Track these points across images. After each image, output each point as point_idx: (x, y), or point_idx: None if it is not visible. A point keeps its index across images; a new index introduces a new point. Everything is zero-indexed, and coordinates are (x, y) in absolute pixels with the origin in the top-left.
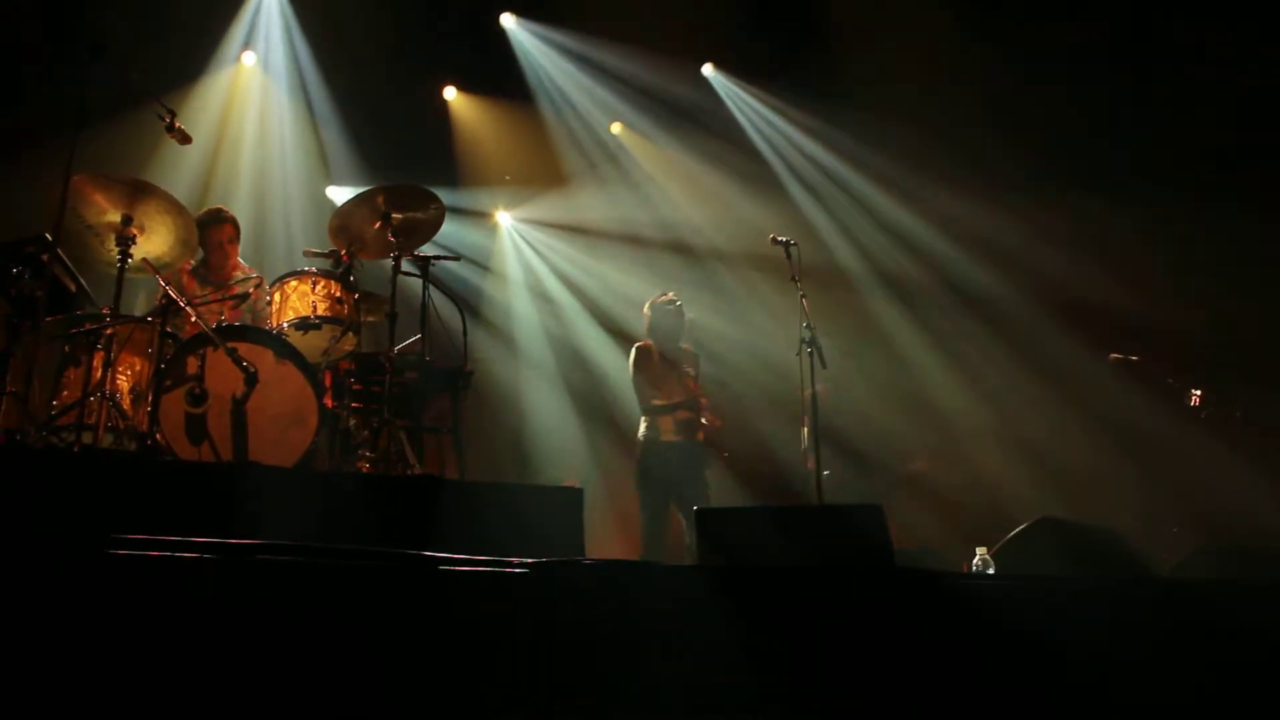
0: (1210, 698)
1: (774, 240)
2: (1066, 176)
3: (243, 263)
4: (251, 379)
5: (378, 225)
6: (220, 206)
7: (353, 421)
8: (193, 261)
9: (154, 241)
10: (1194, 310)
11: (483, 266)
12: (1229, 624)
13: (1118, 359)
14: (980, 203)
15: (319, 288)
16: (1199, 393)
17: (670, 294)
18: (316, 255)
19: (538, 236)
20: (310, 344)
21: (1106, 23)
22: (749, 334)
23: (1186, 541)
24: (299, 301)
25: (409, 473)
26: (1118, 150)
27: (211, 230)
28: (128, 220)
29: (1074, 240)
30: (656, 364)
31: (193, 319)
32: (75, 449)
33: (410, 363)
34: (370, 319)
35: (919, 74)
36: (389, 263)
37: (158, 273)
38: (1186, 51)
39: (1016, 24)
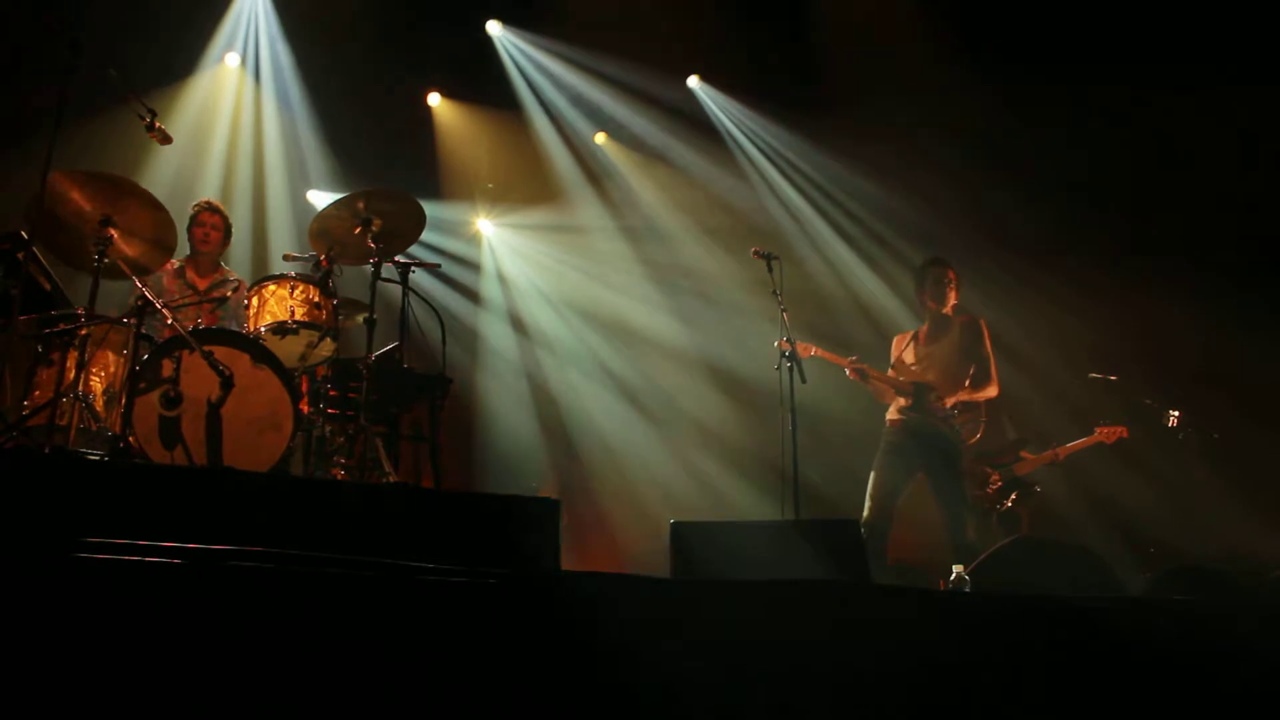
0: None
1: (756, 253)
2: (1058, 213)
3: (225, 266)
4: (227, 383)
5: (358, 230)
6: (211, 200)
7: (329, 428)
8: (176, 263)
9: (132, 242)
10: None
11: (463, 274)
12: (1198, 645)
13: (1097, 378)
14: (968, 228)
15: (297, 292)
16: (1177, 413)
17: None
18: (296, 259)
19: (519, 245)
20: (287, 349)
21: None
22: (728, 347)
23: (1162, 561)
24: (277, 305)
25: (384, 480)
26: (1110, 185)
27: (198, 218)
28: (106, 220)
29: (1065, 274)
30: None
31: (169, 321)
32: (46, 450)
33: (388, 370)
34: (348, 325)
35: (910, 100)
36: (368, 268)
37: (134, 274)
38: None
39: (1010, 61)
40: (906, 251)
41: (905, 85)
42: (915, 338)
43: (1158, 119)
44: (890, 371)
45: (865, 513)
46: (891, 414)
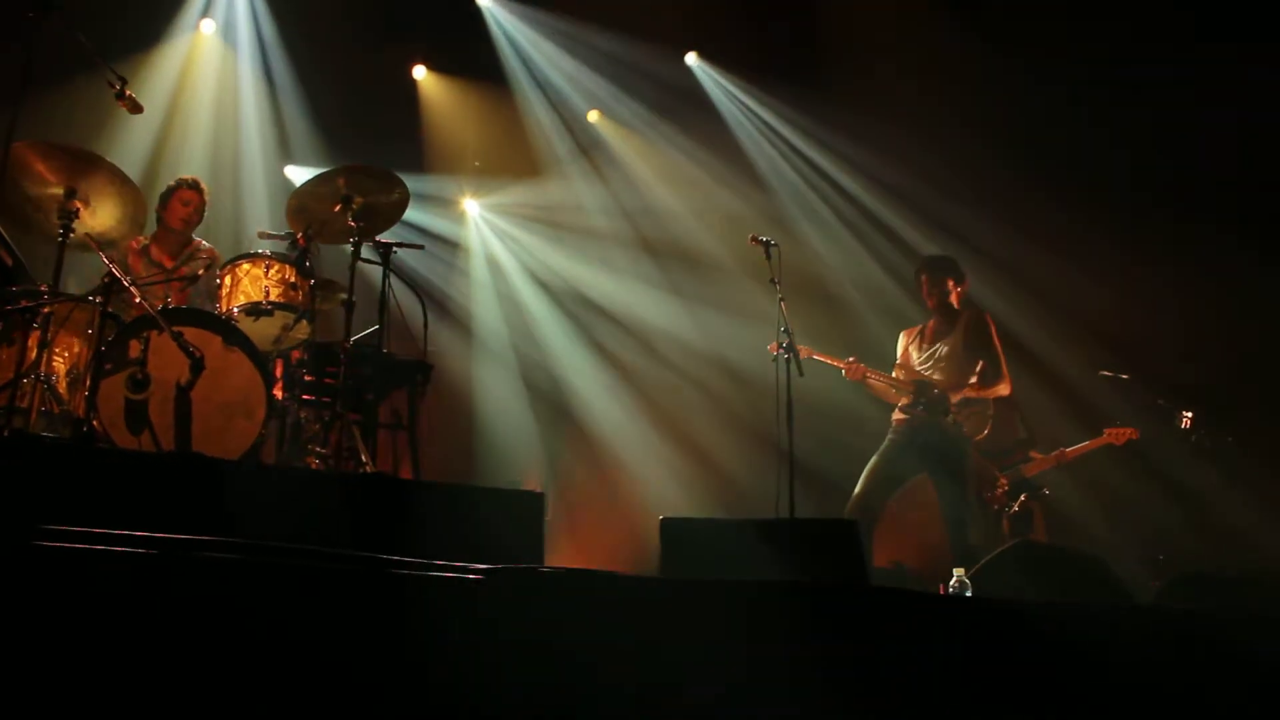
0: None
1: (754, 240)
2: (1063, 188)
3: (195, 237)
4: (197, 365)
5: (338, 208)
6: (198, 179)
7: (303, 414)
8: (142, 240)
9: (99, 216)
10: (1189, 332)
11: (447, 256)
12: (1208, 653)
13: (1108, 376)
14: (974, 211)
15: (273, 272)
16: (1190, 415)
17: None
18: (271, 237)
19: (506, 227)
20: (261, 331)
21: (1108, 35)
22: (722, 337)
23: (1171, 569)
24: (251, 285)
25: (361, 470)
26: (1117, 164)
27: (178, 193)
28: (71, 193)
29: (1068, 252)
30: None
31: (137, 300)
32: (5, 433)
33: (366, 355)
34: (326, 307)
35: (916, 75)
36: (348, 248)
37: (101, 249)
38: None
39: (1018, 30)
40: (912, 236)
41: (912, 59)
42: (922, 334)
43: (1183, 94)
44: (896, 367)
45: (850, 504)
46: (896, 414)
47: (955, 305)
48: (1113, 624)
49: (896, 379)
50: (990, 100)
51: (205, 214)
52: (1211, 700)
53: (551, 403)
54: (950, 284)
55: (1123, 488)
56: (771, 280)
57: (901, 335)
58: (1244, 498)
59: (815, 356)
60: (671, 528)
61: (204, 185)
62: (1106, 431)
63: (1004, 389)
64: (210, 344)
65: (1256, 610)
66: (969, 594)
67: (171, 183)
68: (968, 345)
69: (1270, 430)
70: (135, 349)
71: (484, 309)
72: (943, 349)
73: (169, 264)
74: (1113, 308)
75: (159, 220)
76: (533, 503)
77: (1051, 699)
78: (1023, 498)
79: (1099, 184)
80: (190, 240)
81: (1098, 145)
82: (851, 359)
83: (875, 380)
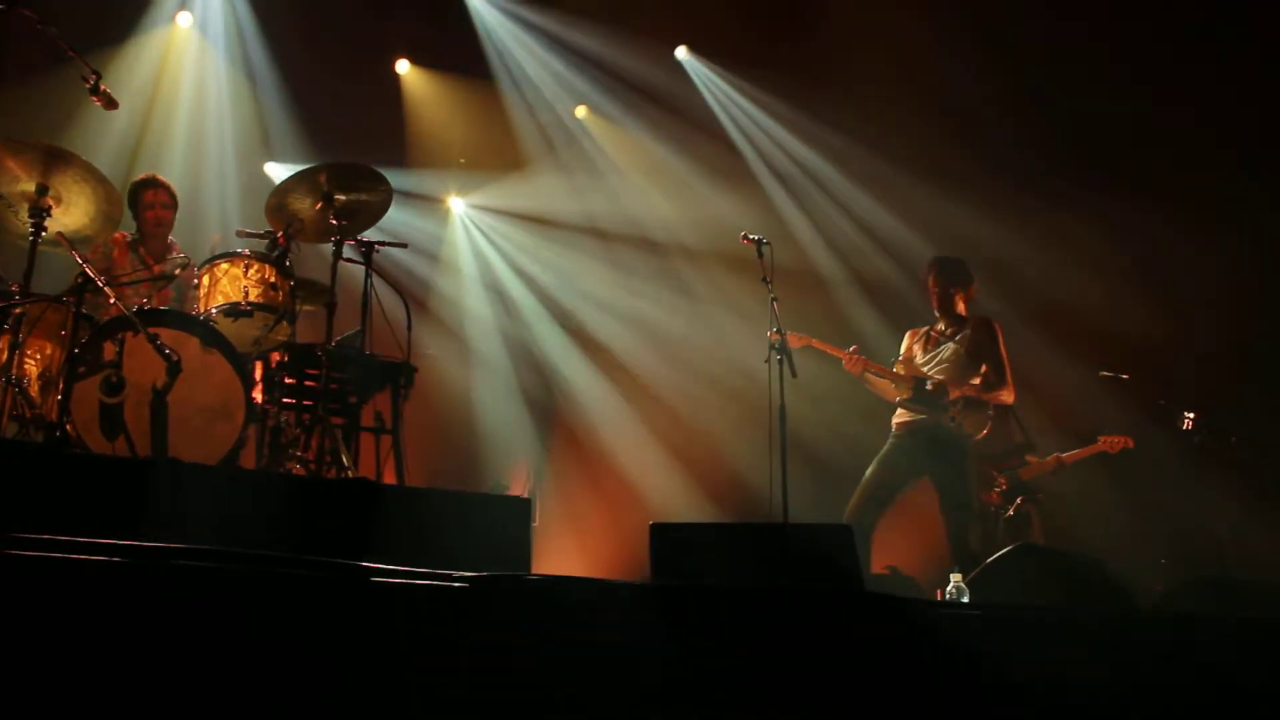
0: None
1: (745, 238)
2: (1051, 181)
3: (177, 243)
4: (174, 368)
5: (319, 206)
6: (155, 174)
7: (284, 418)
8: (129, 235)
9: (72, 214)
10: (1185, 325)
11: (431, 255)
12: (1212, 659)
13: (1107, 376)
14: (965, 205)
15: (252, 272)
16: (1192, 416)
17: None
18: (251, 236)
19: (492, 225)
20: (240, 332)
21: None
22: (714, 337)
23: (1174, 573)
24: (229, 285)
25: (343, 475)
26: (1107, 152)
27: (145, 194)
28: (43, 190)
29: (1056, 246)
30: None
31: (112, 300)
32: None
33: (349, 356)
34: (306, 308)
35: (904, 70)
36: (329, 247)
37: (74, 248)
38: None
39: (1002, 24)
40: (907, 230)
41: (909, 49)
42: (927, 335)
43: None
44: (897, 363)
45: (848, 510)
46: (897, 417)
47: (963, 310)
48: (1113, 629)
49: (896, 373)
50: (987, 91)
51: (178, 203)
52: (1213, 704)
53: (541, 404)
54: (959, 288)
55: (1122, 490)
56: (763, 279)
57: (906, 334)
58: (1247, 500)
59: (814, 344)
60: (662, 532)
61: (161, 178)
62: (1101, 439)
63: (1006, 396)
64: (187, 346)
65: (1265, 616)
66: (966, 599)
67: (132, 183)
68: (972, 350)
69: (1273, 431)
70: (110, 351)
71: (469, 309)
72: (946, 352)
73: (155, 268)
74: (1112, 304)
75: (140, 226)
76: (519, 508)
77: (1051, 705)
78: (1019, 501)
79: (1099, 178)
80: (171, 245)
81: (1095, 139)
82: (853, 348)
83: (874, 376)
